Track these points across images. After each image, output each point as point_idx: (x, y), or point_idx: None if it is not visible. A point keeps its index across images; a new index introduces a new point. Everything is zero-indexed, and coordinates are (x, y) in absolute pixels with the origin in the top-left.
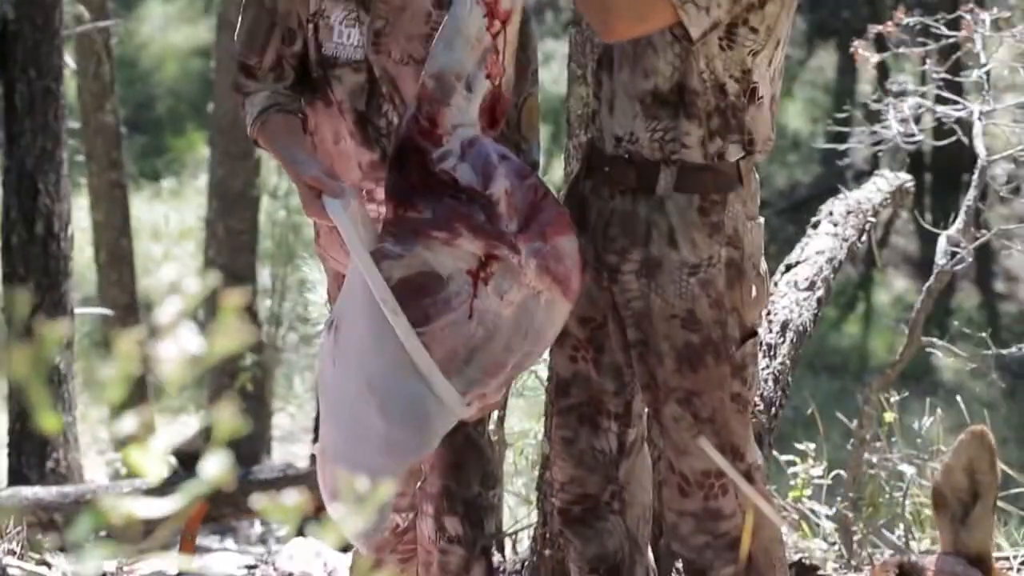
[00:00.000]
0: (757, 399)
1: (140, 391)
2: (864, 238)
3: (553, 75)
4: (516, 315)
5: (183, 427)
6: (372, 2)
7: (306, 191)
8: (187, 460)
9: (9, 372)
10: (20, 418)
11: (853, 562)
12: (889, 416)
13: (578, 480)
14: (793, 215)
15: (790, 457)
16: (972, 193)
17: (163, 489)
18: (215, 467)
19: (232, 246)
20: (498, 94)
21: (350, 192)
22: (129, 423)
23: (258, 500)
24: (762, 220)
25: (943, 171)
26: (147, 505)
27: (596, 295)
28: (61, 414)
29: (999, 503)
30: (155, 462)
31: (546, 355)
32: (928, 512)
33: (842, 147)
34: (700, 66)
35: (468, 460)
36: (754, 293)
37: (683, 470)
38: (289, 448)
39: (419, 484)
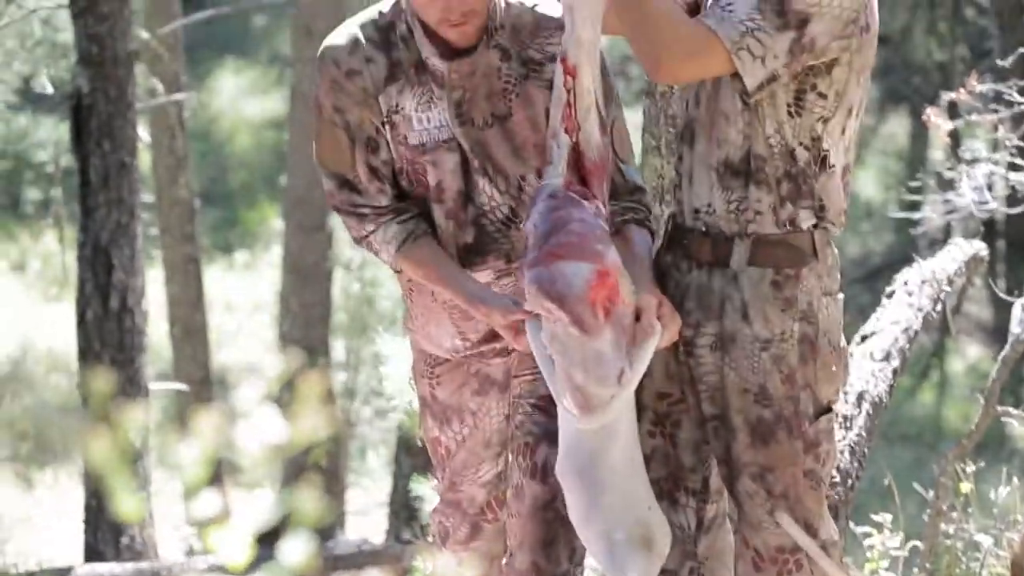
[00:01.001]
0: (834, 471)
1: (215, 468)
2: (938, 307)
3: None
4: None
5: (259, 503)
6: (445, 77)
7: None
8: (267, 538)
9: (87, 454)
10: (96, 495)
11: None
12: (965, 486)
13: None
14: (867, 284)
15: (866, 529)
16: None
17: (246, 569)
18: (296, 550)
19: (306, 320)
20: (579, 150)
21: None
22: (207, 503)
23: None
24: (841, 296)
25: (1016, 238)
26: None
27: (674, 369)
28: (136, 492)
29: None
30: (235, 544)
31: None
32: None
33: (916, 215)
34: (768, 131)
35: (557, 536)
36: (830, 369)
37: (757, 546)
38: (363, 523)
39: (505, 562)
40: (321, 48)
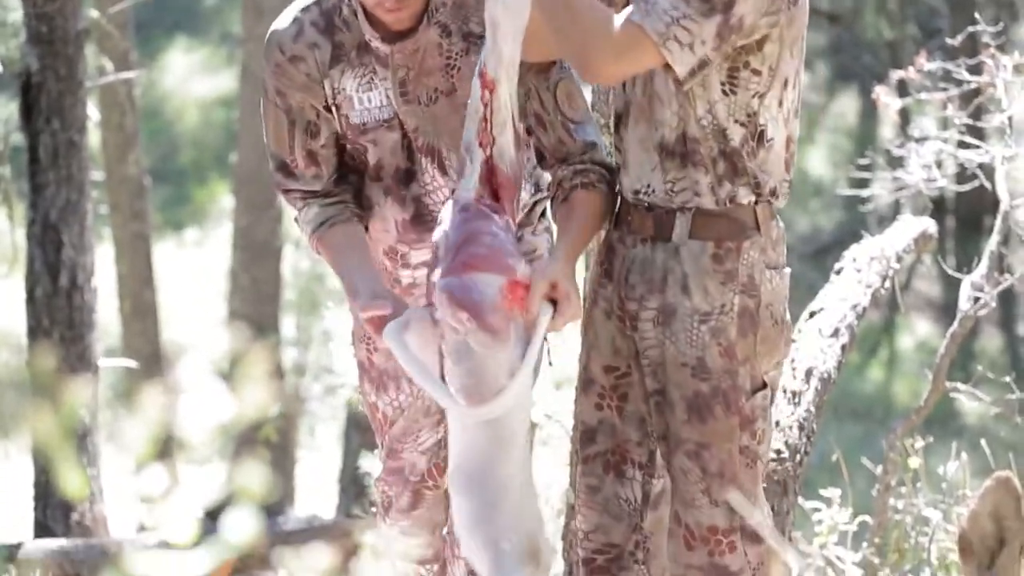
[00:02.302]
0: (782, 447)
1: (164, 443)
2: (887, 284)
3: None
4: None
5: (206, 479)
6: (388, 58)
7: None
8: (215, 512)
9: (34, 430)
10: (45, 471)
11: None
12: (914, 461)
13: (603, 529)
14: (815, 261)
15: (815, 504)
16: (995, 238)
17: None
18: (241, 526)
19: (256, 296)
20: (491, 164)
21: (413, 314)
22: (154, 478)
23: (284, 554)
24: (788, 271)
25: (965, 216)
26: (172, 562)
27: (620, 343)
28: (85, 468)
29: None
30: (181, 520)
31: (571, 403)
32: (954, 558)
33: (864, 193)
34: (700, 112)
35: None
36: (771, 343)
37: (689, 523)
38: (313, 499)
39: (445, 530)
40: (268, 32)
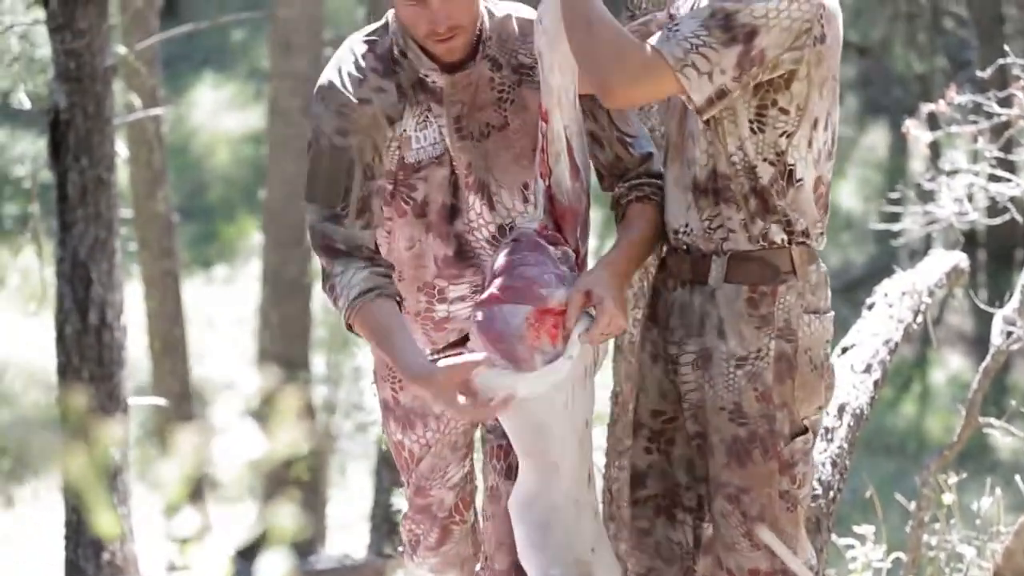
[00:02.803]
0: (816, 483)
1: (196, 483)
2: (919, 319)
3: None
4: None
5: (238, 519)
6: (443, 93)
7: (440, 392)
8: (247, 552)
9: (65, 469)
10: (76, 510)
11: None
12: (948, 497)
13: (655, 572)
14: (846, 295)
15: (849, 541)
16: None
17: None
18: (274, 567)
19: (286, 334)
20: (551, 194)
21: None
22: (185, 519)
23: None
24: (830, 315)
25: (997, 249)
26: None
27: (666, 387)
28: (116, 507)
29: None
30: (212, 560)
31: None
32: None
33: (895, 227)
34: (730, 149)
35: None
36: (810, 388)
37: (730, 567)
38: (345, 537)
39: (479, 567)
40: (323, 82)
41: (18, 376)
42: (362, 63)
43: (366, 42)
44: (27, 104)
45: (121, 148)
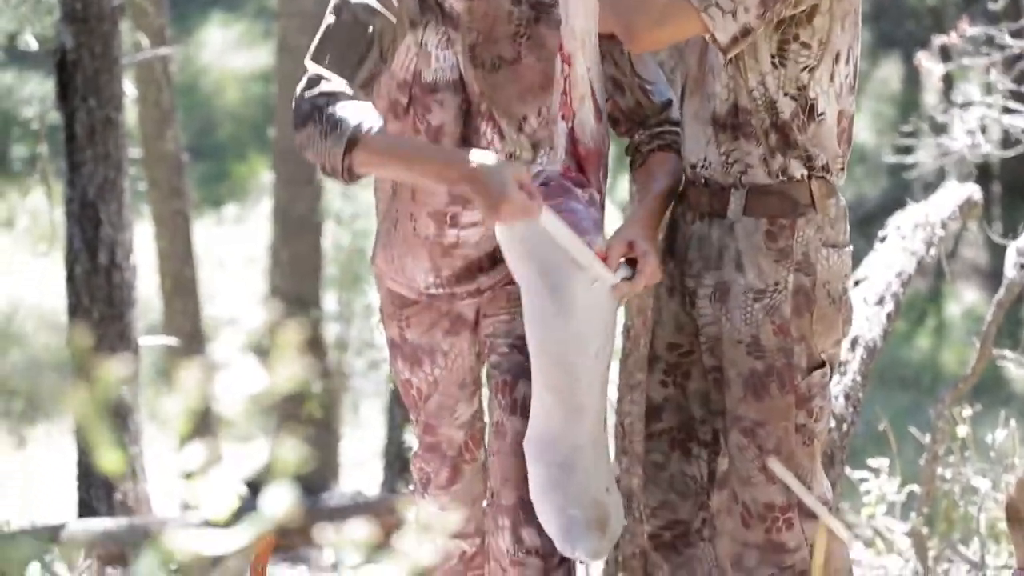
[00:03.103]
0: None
1: (205, 420)
2: (932, 251)
3: None
4: None
5: (252, 454)
6: (459, 19)
7: (503, 178)
8: (257, 486)
9: (74, 409)
10: (87, 451)
11: None
12: (962, 430)
13: (669, 505)
14: (860, 229)
15: (863, 474)
16: None
17: (233, 520)
18: (279, 501)
19: (297, 272)
20: (574, 137)
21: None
22: (195, 455)
23: (325, 531)
24: (849, 248)
25: (1011, 182)
26: (214, 540)
27: (683, 320)
28: (127, 447)
29: None
30: (220, 495)
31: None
32: (1004, 527)
33: (909, 160)
34: (751, 84)
35: None
36: (828, 321)
37: (746, 500)
38: (358, 475)
39: (486, 503)
40: None
41: (29, 317)
42: None
43: None
44: (34, 45)
45: (129, 88)
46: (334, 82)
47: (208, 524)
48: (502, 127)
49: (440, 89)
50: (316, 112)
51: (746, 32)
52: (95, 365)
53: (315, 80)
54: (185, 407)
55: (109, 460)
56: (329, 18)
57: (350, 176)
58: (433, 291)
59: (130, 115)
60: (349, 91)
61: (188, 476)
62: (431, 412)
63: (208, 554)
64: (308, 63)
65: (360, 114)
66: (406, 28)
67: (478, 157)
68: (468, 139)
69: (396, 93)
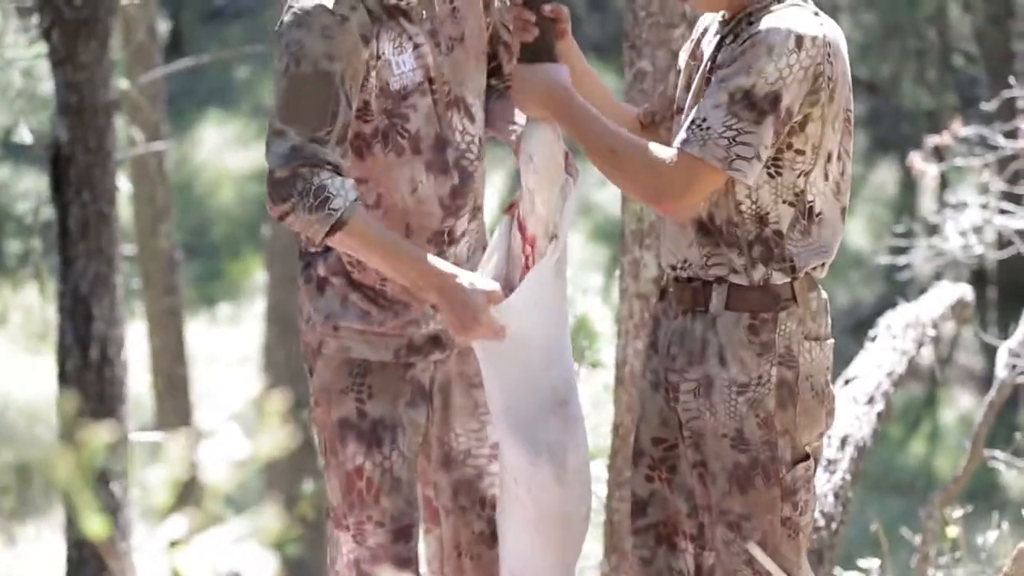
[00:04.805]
0: (818, 515)
1: (186, 489)
2: (923, 351)
3: (611, 194)
4: None
5: (234, 526)
6: (412, 10)
7: (476, 301)
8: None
9: (65, 499)
10: (78, 547)
11: None
12: (953, 531)
13: None
14: (856, 334)
15: (853, 575)
16: None
17: None
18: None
19: (292, 372)
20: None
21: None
22: (175, 526)
23: None
24: (831, 342)
25: (1008, 285)
26: None
27: (667, 415)
28: (118, 543)
29: None
30: (201, 566)
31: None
32: None
33: (902, 262)
34: (739, 197)
35: None
36: (811, 415)
37: None
38: None
39: None
40: (299, 7)
41: (21, 414)
42: None
43: None
44: (29, 139)
45: (124, 183)
46: (313, 147)
47: None
48: (469, 106)
49: (410, 94)
50: (300, 182)
51: (765, 163)
52: (89, 462)
53: (293, 144)
54: (170, 477)
55: (93, 526)
56: (288, 69)
57: (326, 249)
58: (431, 330)
59: (125, 211)
60: (331, 156)
61: (170, 544)
62: (398, 505)
63: None
64: (278, 123)
65: (345, 193)
66: (362, 51)
67: (452, 276)
68: (443, 139)
69: (377, 118)
